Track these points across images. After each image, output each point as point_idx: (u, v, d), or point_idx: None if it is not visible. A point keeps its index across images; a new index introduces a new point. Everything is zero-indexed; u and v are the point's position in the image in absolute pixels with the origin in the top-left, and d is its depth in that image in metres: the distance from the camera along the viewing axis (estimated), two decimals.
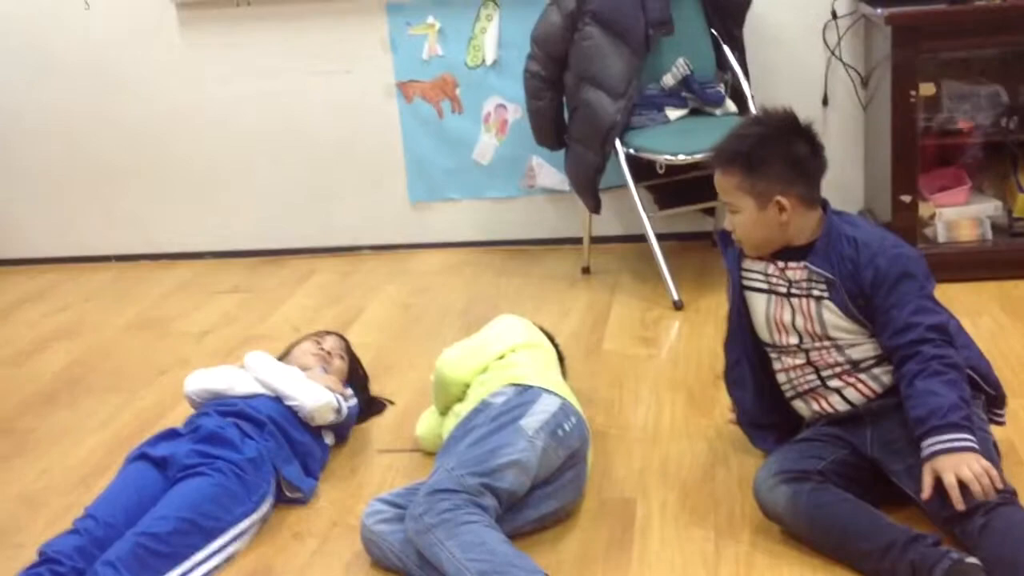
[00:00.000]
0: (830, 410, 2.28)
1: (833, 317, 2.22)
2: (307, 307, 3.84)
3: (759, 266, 2.33)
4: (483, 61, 4.12)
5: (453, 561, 1.96)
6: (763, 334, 2.35)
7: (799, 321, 2.26)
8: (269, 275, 4.23)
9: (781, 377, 2.35)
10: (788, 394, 2.36)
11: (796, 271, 2.25)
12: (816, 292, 2.23)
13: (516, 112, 4.12)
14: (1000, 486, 2.00)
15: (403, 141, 4.26)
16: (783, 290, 2.28)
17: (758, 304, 2.34)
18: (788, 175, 2.20)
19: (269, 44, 4.21)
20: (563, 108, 3.79)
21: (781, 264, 2.27)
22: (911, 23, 3.34)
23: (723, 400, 2.76)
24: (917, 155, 3.43)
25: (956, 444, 2.01)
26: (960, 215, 3.50)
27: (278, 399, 2.56)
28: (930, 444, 2.03)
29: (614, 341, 3.31)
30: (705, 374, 2.98)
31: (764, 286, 2.32)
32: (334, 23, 4.16)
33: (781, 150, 2.21)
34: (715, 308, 3.43)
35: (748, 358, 2.40)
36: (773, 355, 2.35)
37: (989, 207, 3.53)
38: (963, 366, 2.15)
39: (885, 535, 2.01)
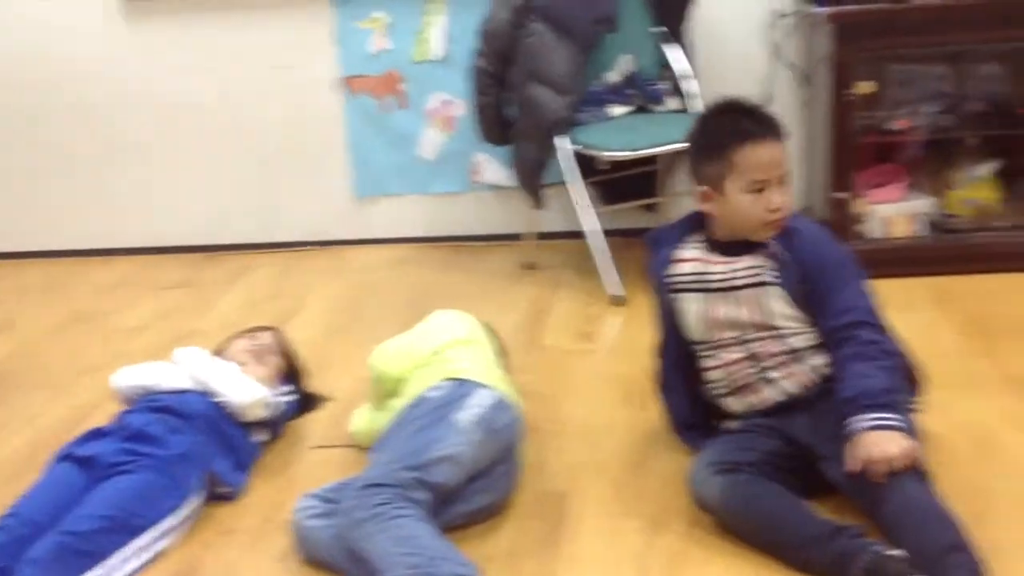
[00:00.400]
0: (765, 403, 2.30)
1: (779, 304, 2.25)
2: (246, 303, 3.81)
3: (689, 267, 2.35)
4: (430, 56, 4.11)
5: (384, 555, 1.95)
6: (697, 334, 2.36)
7: (743, 313, 2.28)
8: (209, 271, 4.19)
9: (716, 374, 2.36)
10: (721, 391, 2.37)
11: (745, 259, 2.28)
12: (767, 278, 2.25)
13: (462, 108, 4.11)
14: (923, 468, 2.04)
15: (348, 136, 4.24)
16: (724, 285, 2.30)
17: (690, 305, 2.35)
18: None
19: (213, 37, 4.18)
20: (508, 104, 3.79)
21: (725, 259, 2.30)
22: (853, 21, 3.38)
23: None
24: (854, 153, 3.47)
25: (883, 423, 2.05)
26: (896, 212, 3.54)
27: (209, 394, 2.53)
28: (857, 420, 2.07)
29: (554, 336, 3.32)
30: (642, 369, 2.96)
31: (696, 286, 2.34)
32: (280, 16, 4.13)
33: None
34: None
35: (679, 362, 2.43)
36: (707, 353, 2.36)
37: (924, 204, 3.57)
38: (898, 353, 2.20)
39: (811, 527, 2.03)
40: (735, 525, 2.14)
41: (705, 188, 2.30)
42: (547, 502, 2.36)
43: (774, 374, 2.28)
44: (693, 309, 2.35)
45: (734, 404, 2.36)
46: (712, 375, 2.37)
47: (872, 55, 3.43)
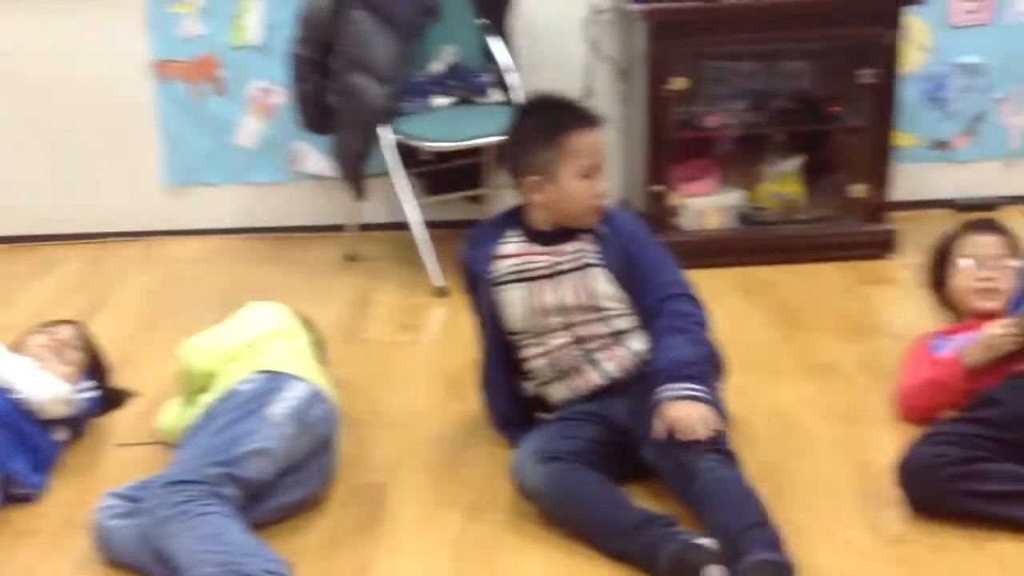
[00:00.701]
0: (589, 386, 2.34)
1: (603, 285, 2.32)
2: (50, 296, 3.64)
3: (512, 261, 2.39)
4: (247, 42, 4.00)
5: (189, 554, 1.90)
6: (520, 324, 2.39)
7: (568, 297, 2.33)
8: (10, 263, 3.98)
9: (540, 362, 2.39)
10: (546, 378, 2.40)
11: (571, 246, 2.35)
12: (591, 260, 2.33)
13: (281, 96, 4.02)
14: (726, 444, 2.13)
15: (160, 123, 4.09)
16: (547, 272, 2.35)
17: (514, 297, 2.39)
18: None
19: (13, 19, 3.96)
20: (329, 92, 3.73)
21: (549, 247, 2.36)
22: (667, 19, 3.47)
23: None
24: (670, 147, 3.57)
25: (686, 393, 2.15)
26: (707, 204, 3.65)
27: (4, 391, 2.40)
28: (665, 390, 2.16)
29: (376, 328, 3.30)
30: (463, 359, 2.98)
31: (519, 277, 2.38)
32: None
33: None
34: None
35: (500, 358, 2.45)
36: (532, 343, 2.39)
37: (733, 197, 3.71)
38: (709, 325, 2.31)
39: (625, 517, 2.08)
40: (555, 514, 2.17)
41: (535, 177, 2.34)
42: (364, 494, 2.34)
43: (598, 355, 2.34)
44: (518, 299, 2.38)
45: (559, 391, 2.39)
46: (536, 363, 2.40)
47: (686, 52, 3.53)
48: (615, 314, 2.35)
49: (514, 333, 2.42)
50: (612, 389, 2.33)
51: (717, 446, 2.11)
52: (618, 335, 2.35)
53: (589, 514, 2.11)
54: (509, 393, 2.48)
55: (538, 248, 2.38)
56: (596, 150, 2.35)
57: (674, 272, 2.38)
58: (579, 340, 2.35)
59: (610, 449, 2.26)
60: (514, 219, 2.45)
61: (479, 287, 2.42)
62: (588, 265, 2.35)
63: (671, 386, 2.16)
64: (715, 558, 1.92)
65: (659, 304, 2.30)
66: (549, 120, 2.35)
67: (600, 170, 2.35)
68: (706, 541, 1.96)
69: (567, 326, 2.35)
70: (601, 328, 2.34)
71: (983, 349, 2.33)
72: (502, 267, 2.40)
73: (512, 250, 2.41)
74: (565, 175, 2.32)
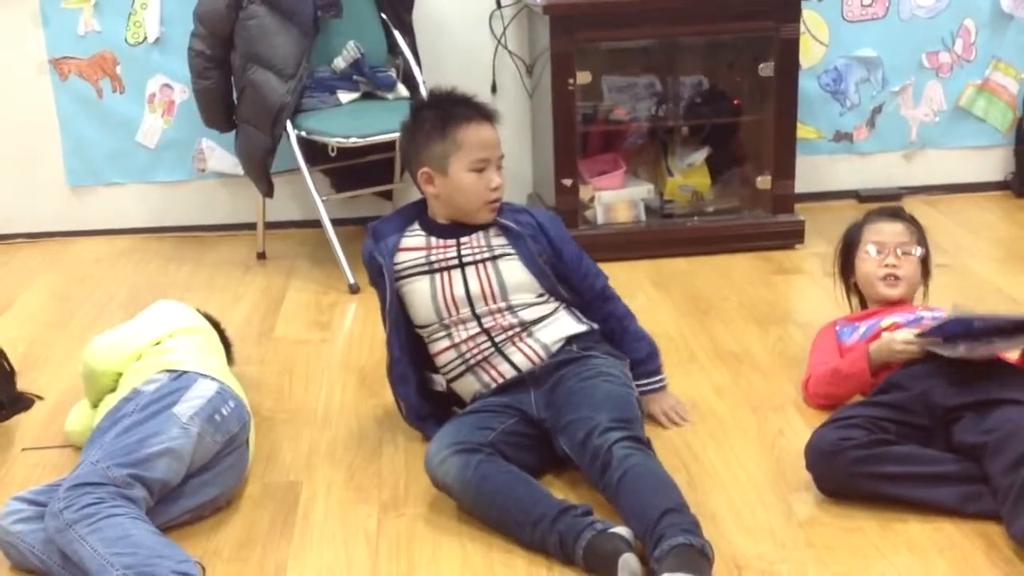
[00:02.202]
0: (499, 379, 2.34)
1: (514, 275, 2.36)
2: None
3: (416, 253, 2.39)
4: (145, 38, 3.92)
5: (96, 557, 1.85)
6: (428, 316, 2.39)
7: (474, 288, 2.34)
8: None
9: (449, 355, 2.39)
10: (456, 372, 2.40)
11: (476, 238, 2.38)
12: (500, 252, 2.37)
13: (183, 93, 3.95)
14: (645, 438, 2.17)
15: (59, 121, 3.99)
16: (454, 263, 2.35)
17: (420, 288, 2.38)
18: None
19: None
20: (231, 88, 3.68)
21: (452, 240, 2.37)
22: (567, 13, 3.48)
23: None
24: (576, 141, 3.59)
25: (664, 383, 2.53)
26: (617, 198, 3.68)
27: None
28: (656, 381, 2.51)
29: (288, 326, 3.25)
30: (377, 356, 2.96)
31: (424, 269, 2.38)
32: None
33: None
34: None
35: (408, 352, 2.43)
36: (440, 335, 2.39)
37: (642, 190, 3.74)
38: None
39: (539, 507, 2.07)
40: (471, 506, 2.16)
41: (427, 169, 2.36)
42: (279, 492, 2.31)
43: (508, 348, 2.34)
44: (425, 291, 2.37)
45: (470, 384, 2.38)
46: (445, 356, 2.40)
47: (589, 46, 3.55)
48: (523, 305, 2.36)
49: (421, 326, 2.42)
50: (523, 382, 2.33)
51: (632, 434, 2.13)
52: (526, 326, 2.36)
53: (504, 505, 2.10)
54: (419, 387, 2.46)
55: (439, 241, 2.39)
56: (488, 144, 2.35)
57: (594, 263, 2.50)
58: (487, 331, 2.35)
59: (524, 440, 2.27)
60: (416, 213, 2.46)
61: (384, 280, 2.40)
62: (497, 256, 2.37)
63: (656, 378, 2.50)
64: (630, 547, 1.93)
65: (605, 289, 2.48)
66: (442, 113, 2.36)
67: (492, 164, 2.36)
68: (621, 529, 1.97)
69: (475, 317, 2.35)
70: (510, 319, 2.35)
71: (885, 353, 2.38)
72: (407, 259, 2.40)
73: (415, 243, 2.42)
74: (456, 168, 2.34)
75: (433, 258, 2.38)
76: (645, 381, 2.48)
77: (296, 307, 3.40)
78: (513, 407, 2.30)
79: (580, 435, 2.15)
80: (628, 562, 1.90)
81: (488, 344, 2.35)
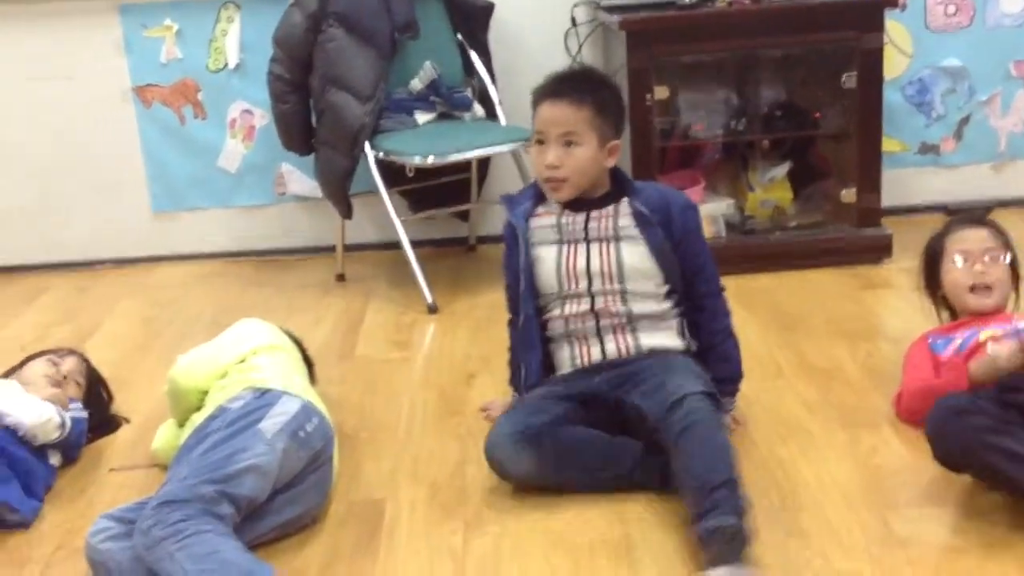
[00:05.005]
0: (587, 360, 2.38)
1: (635, 260, 2.36)
2: (38, 325, 3.59)
3: (548, 220, 2.43)
4: (225, 64, 3.98)
5: (185, 573, 1.85)
6: (550, 285, 2.41)
7: (595, 264, 2.37)
8: None
9: (557, 324, 2.41)
10: (556, 336, 2.42)
11: (604, 216, 2.38)
12: (625, 234, 2.36)
13: (263, 118, 4.00)
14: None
15: (143, 148, 4.06)
16: (580, 236, 2.39)
17: (548, 255, 2.42)
18: (619, 126, 2.43)
19: None
20: (310, 112, 3.71)
21: (582, 214, 2.39)
22: (645, 28, 3.46)
23: (474, 398, 2.78)
24: (655, 157, 3.55)
25: (724, 410, 2.40)
26: None
27: None
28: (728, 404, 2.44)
29: (368, 346, 3.26)
30: (457, 374, 2.96)
31: (555, 237, 2.42)
32: (61, 25, 3.93)
33: (619, 100, 2.45)
34: (469, 310, 3.44)
35: (535, 317, 2.44)
36: (555, 305, 2.42)
37: (723, 206, 3.68)
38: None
39: (627, 446, 2.25)
40: (553, 473, 2.23)
41: (530, 139, 2.46)
42: (362, 510, 2.29)
43: (607, 335, 2.37)
44: (552, 259, 2.40)
45: (564, 352, 2.41)
46: (554, 324, 2.42)
47: (667, 61, 3.52)
48: (637, 294, 2.37)
49: (540, 295, 2.44)
50: (599, 368, 2.36)
51: (707, 390, 2.20)
52: (633, 321, 2.36)
53: (591, 455, 2.22)
54: (541, 352, 2.44)
55: (571, 215, 2.41)
56: (547, 120, 2.35)
57: (711, 271, 2.45)
58: (596, 313, 2.37)
59: (580, 417, 2.30)
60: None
61: (515, 245, 2.43)
62: (621, 238, 2.37)
63: (729, 401, 2.43)
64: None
65: (715, 296, 2.45)
66: (538, 88, 2.42)
67: (552, 140, 2.34)
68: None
69: (590, 295, 2.37)
70: (620, 307, 2.36)
71: (990, 371, 2.28)
72: (539, 225, 2.44)
73: (547, 212, 2.45)
74: (533, 140, 2.41)
75: (563, 228, 2.41)
76: None
77: (376, 327, 3.40)
78: (573, 394, 2.33)
79: (654, 386, 2.22)
80: None
81: (593, 325, 2.38)
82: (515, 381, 2.52)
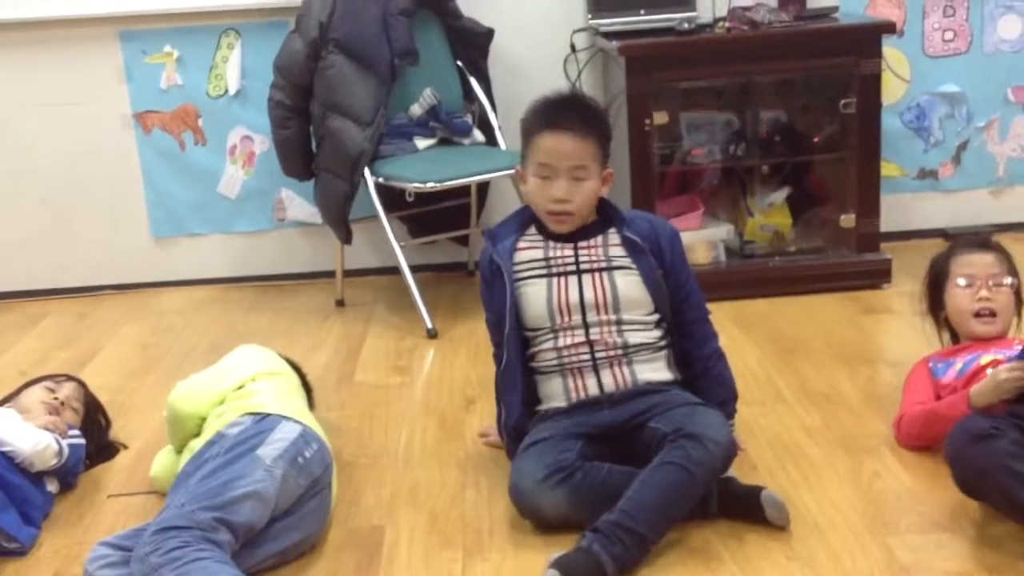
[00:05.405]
0: (582, 393, 2.33)
1: (630, 290, 2.32)
2: (37, 350, 3.58)
3: (535, 253, 2.38)
4: (226, 91, 3.99)
5: None
6: (539, 320, 2.36)
7: (588, 295, 2.33)
8: None
9: (549, 355, 2.36)
10: (550, 370, 2.36)
11: (594, 249, 2.35)
12: (618, 263, 2.34)
13: (263, 144, 4.01)
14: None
15: (143, 174, 4.07)
16: (571, 268, 2.34)
17: (537, 291, 2.36)
18: (608, 152, 2.38)
19: None
20: (310, 137, 3.72)
21: (570, 245, 2.36)
22: (643, 55, 3.47)
23: (474, 423, 2.77)
24: (654, 182, 3.56)
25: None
26: (696, 239, 3.62)
27: None
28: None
29: (367, 372, 3.25)
30: (457, 400, 2.96)
31: (543, 272, 2.36)
32: (63, 52, 3.94)
33: (610, 127, 2.42)
34: (468, 335, 3.43)
35: (519, 358, 2.39)
36: (547, 338, 2.36)
37: (722, 231, 3.68)
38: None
39: None
40: (591, 512, 2.13)
41: (519, 167, 2.41)
42: (362, 536, 2.28)
43: (603, 367, 2.33)
44: (541, 295, 2.35)
45: (557, 387, 2.36)
46: (546, 356, 2.37)
47: (666, 87, 3.53)
48: (632, 324, 2.33)
49: (530, 329, 2.39)
50: (598, 403, 2.32)
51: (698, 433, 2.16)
52: (628, 352, 2.33)
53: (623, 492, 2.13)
54: (523, 392, 2.39)
55: (559, 246, 2.37)
56: (555, 153, 2.29)
57: (697, 298, 2.43)
58: (591, 344, 2.33)
59: (596, 453, 2.27)
60: (532, 216, 2.44)
61: (502, 282, 2.37)
62: (614, 268, 2.34)
63: (729, 422, 2.34)
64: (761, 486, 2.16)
65: (704, 322, 2.42)
66: (535, 113, 2.37)
67: (561, 174, 2.30)
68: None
69: (584, 326, 2.33)
70: (616, 337, 2.32)
71: (991, 392, 2.26)
72: (525, 260, 2.39)
73: (533, 245, 2.40)
74: (529, 172, 2.36)
75: (552, 262, 2.36)
76: None
77: (375, 353, 3.40)
78: (583, 429, 2.29)
79: (682, 413, 2.21)
80: (770, 495, 2.14)
81: (588, 357, 2.33)
82: (501, 423, 2.48)
